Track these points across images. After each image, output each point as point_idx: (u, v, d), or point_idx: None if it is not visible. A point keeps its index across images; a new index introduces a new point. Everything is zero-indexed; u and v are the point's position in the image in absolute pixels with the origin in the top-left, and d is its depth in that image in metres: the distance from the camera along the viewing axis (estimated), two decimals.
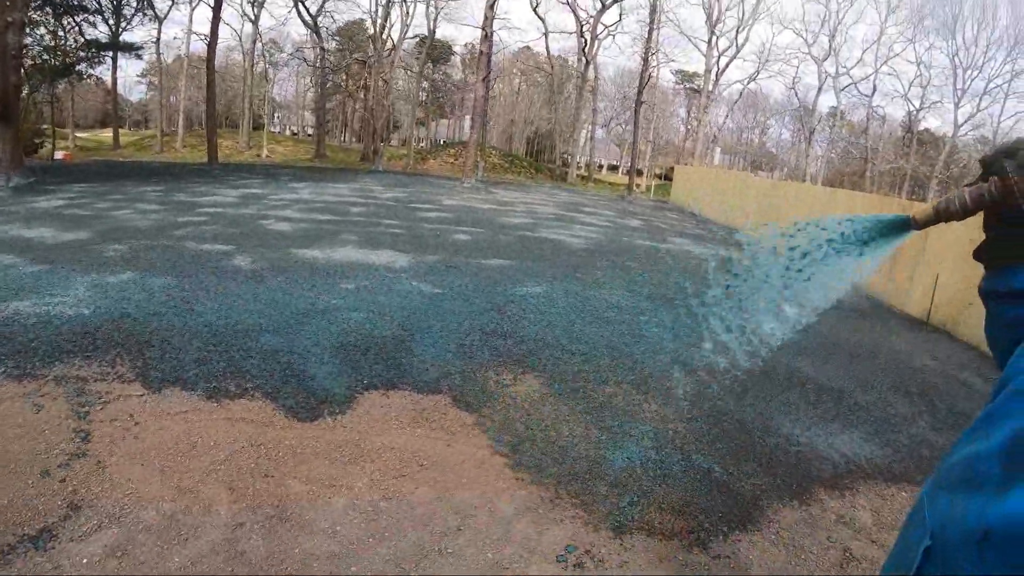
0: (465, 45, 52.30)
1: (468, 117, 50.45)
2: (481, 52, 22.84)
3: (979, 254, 1.05)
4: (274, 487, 2.93)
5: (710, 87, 41.01)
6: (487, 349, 5.00)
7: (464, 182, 21.63)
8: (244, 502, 2.80)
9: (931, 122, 49.44)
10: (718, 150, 52.10)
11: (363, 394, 3.96)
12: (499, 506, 3.03)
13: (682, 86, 56.08)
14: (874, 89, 41.98)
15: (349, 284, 6.35)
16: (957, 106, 39.29)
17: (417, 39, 42.95)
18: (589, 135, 45.43)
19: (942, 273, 8.86)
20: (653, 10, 33.34)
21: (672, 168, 39.56)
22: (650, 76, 34.56)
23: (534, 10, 38.77)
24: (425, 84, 46.68)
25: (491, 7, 22.56)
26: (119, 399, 3.62)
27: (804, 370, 5.75)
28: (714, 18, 39.04)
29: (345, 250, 8.14)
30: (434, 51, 43.94)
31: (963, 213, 1.02)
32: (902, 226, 1.12)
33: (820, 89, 42.74)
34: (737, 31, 40.54)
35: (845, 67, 42.92)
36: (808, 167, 43.46)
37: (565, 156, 45.32)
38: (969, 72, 39.03)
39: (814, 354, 6.43)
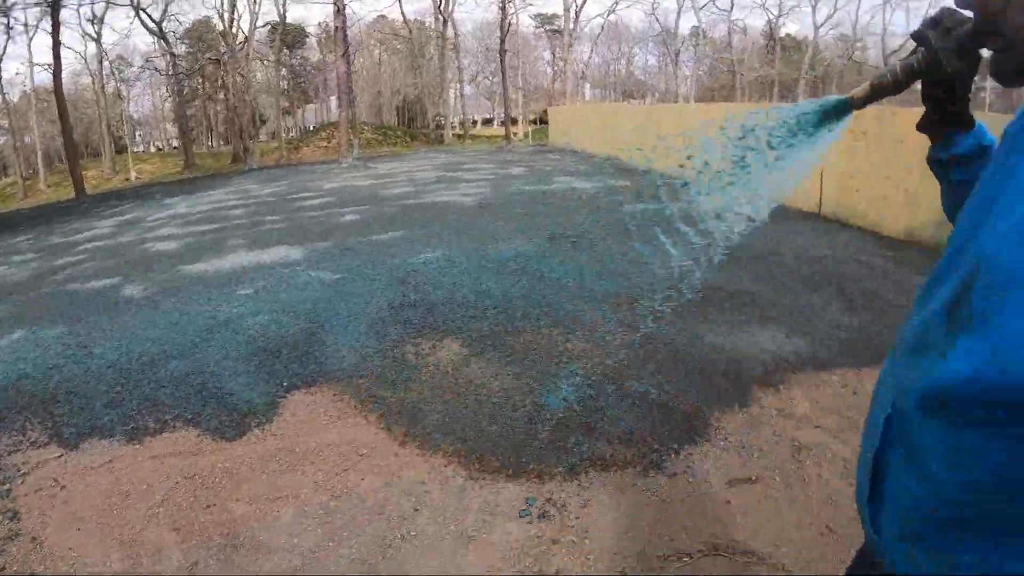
0: (319, 24, 50.19)
1: (333, 98, 48.89)
2: (336, 28, 22.08)
3: (923, 124, 1.14)
4: (219, 515, 2.81)
5: (571, 26, 41.14)
6: (399, 324, 4.93)
7: (341, 163, 21.05)
8: (193, 539, 2.68)
9: (792, 27, 51.33)
10: (587, 86, 52.54)
11: (286, 397, 3.84)
12: (449, 477, 3.02)
13: (542, 29, 56.10)
14: (732, 4, 43.07)
15: (246, 289, 6.09)
16: (815, 8, 40.83)
17: (268, 27, 41.03)
18: (458, 93, 44.94)
19: (827, 165, 9.31)
20: None
21: (545, 111, 39.71)
22: (510, 24, 34.33)
23: None
24: (284, 72, 44.76)
25: None
26: (38, 466, 3.36)
27: (714, 280, 5.94)
28: None
29: (234, 256, 7.78)
30: (288, 36, 42.08)
31: (895, 86, 1.07)
32: (843, 108, 1.14)
33: (680, 11, 43.51)
34: None
35: None
36: (679, 88, 44.44)
37: (438, 119, 44.73)
38: None
39: (729, 265, 6.64)
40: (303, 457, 3.18)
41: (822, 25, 41.82)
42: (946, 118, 1.11)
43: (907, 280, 6.55)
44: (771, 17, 44.68)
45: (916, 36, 1.01)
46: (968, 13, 0.87)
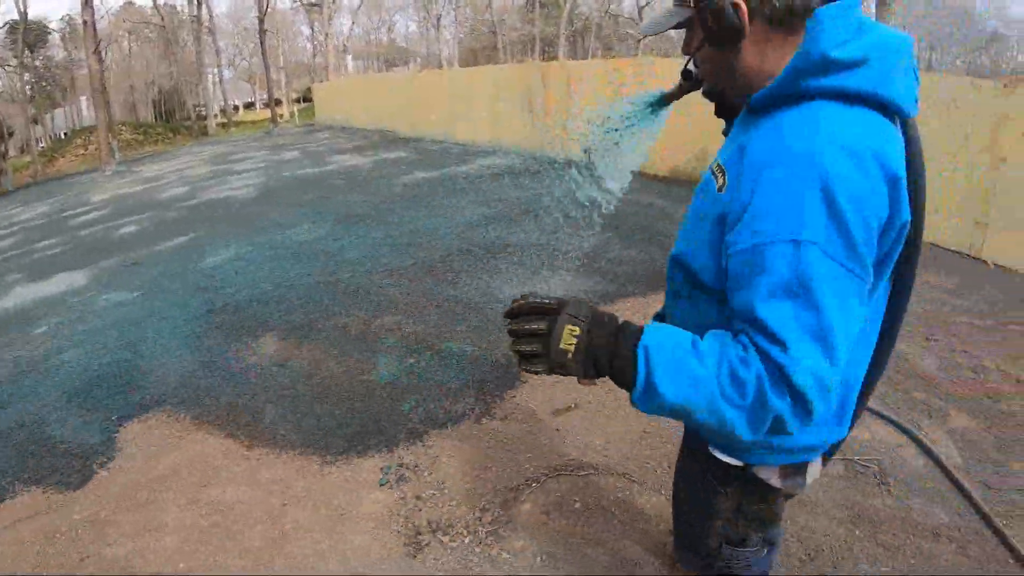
0: (62, 18, 44.46)
1: (84, 98, 43.79)
2: (85, 22, 19.62)
3: (719, 111, 1.43)
4: (98, 566, 2.69)
5: None
6: (213, 331, 4.89)
7: (105, 171, 19.11)
8: None
9: None
10: (349, 59, 51.40)
11: (121, 430, 3.69)
12: (304, 467, 3.20)
13: (300, 3, 53.85)
14: None
15: (40, 327, 5.57)
16: None
17: (6, 27, 35.77)
18: (217, 79, 42.20)
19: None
20: None
21: (309, 89, 38.43)
22: (268, 2, 32.64)
23: None
24: (27, 75, 39.04)
25: None
26: None
27: (504, 237, 6.42)
28: None
29: (15, 293, 6.94)
30: (29, 35, 36.84)
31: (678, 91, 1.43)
32: (665, 100, 1.46)
33: None
34: None
35: None
36: (441, 52, 44.84)
37: (199, 109, 41.83)
38: None
39: (507, 222, 7.16)
40: (160, 484, 3.16)
41: None
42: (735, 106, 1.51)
43: (675, 213, 7.49)
44: None
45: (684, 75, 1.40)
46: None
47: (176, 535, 2.80)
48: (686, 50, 1.24)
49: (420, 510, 2.80)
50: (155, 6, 39.68)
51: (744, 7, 1.07)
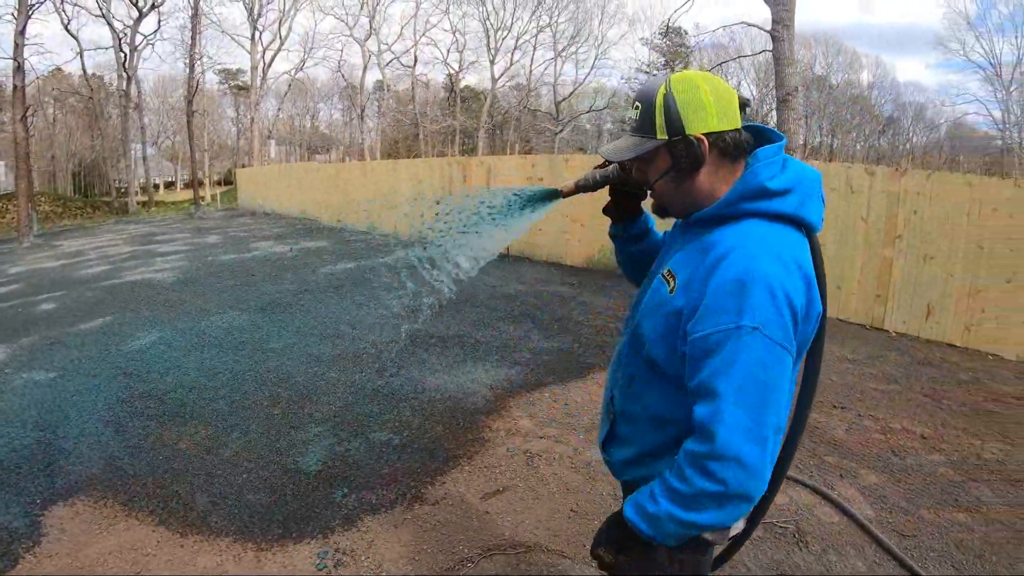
0: None
1: (2, 164, 42.18)
2: (15, 87, 19.04)
3: (607, 210, 1.81)
4: None
5: (259, 83, 40.32)
6: (136, 417, 4.76)
7: (23, 242, 18.35)
8: None
9: (471, 79, 55.00)
10: (273, 143, 51.54)
11: (46, 514, 3.54)
12: (240, 554, 3.15)
13: (227, 85, 53.98)
14: (415, 60, 45.64)
15: None
16: (493, 63, 44.75)
17: None
18: (141, 155, 41.48)
19: None
20: (195, 13, 31.17)
21: (230, 171, 38.16)
22: (198, 83, 32.56)
23: (66, 28, 33.52)
24: None
25: (21, 33, 18.95)
26: None
27: (427, 329, 6.57)
28: (256, 13, 38.20)
29: None
30: None
31: (595, 187, 1.70)
32: (553, 195, 1.73)
33: (366, 68, 44.96)
34: (280, 23, 40.36)
35: (387, 44, 45.75)
36: (364, 141, 45.52)
37: (120, 185, 40.89)
38: (500, 32, 44.46)
39: (431, 315, 7.30)
40: (90, 571, 3.05)
41: (500, 77, 45.81)
42: (624, 210, 1.80)
43: (591, 302, 7.85)
44: (452, 71, 48.00)
45: (603, 169, 1.70)
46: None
47: None
48: (648, 175, 1.50)
49: None
50: (84, 76, 39.05)
51: (707, 142, 1.38)
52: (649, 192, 1.58)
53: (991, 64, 39.32)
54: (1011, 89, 38.61)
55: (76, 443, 4.38)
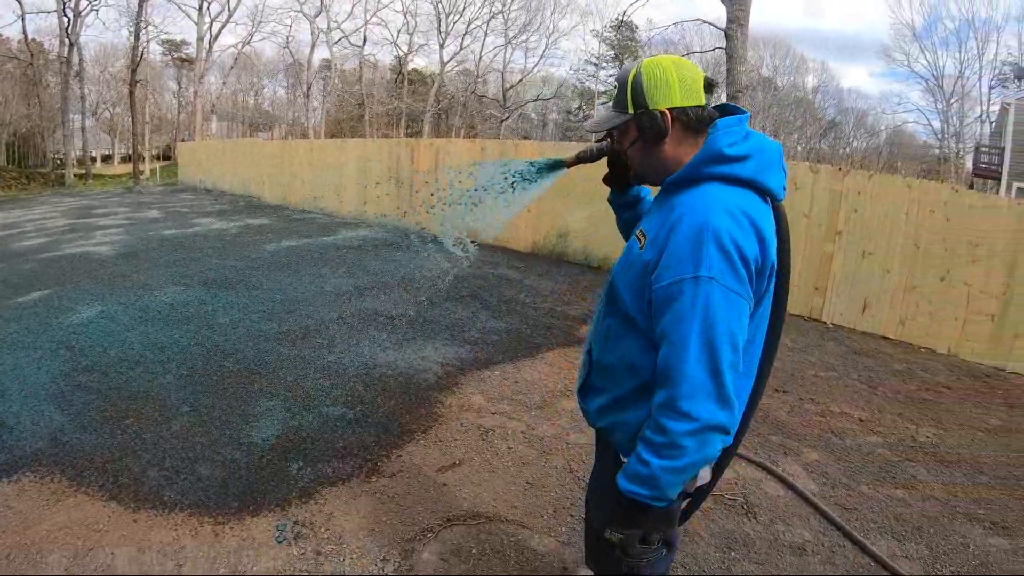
0: None
1: None
2: None
3: (606, 179, 1.98)
4: None
5: (204, 56, 39.08)
6: (80, 390, 4.61)
7: None
8: None
9: (419, 62, 54.30)
10: (215, 119, 50.16)
11: None
12: (196, 528, 3.11)
13: (170, 56, 52.14)
14: (364, 39, 45.05)
15: None
16: (442, 46, 44.59)
17: None
18: (80, 126, 39.79)
19: None
20: None
21: (170, 146, 36.87)
22: (143, 52, 31.29)
23: None
24: None
25: None
26: None
27: (374, 307, 6.56)
28: None
29: None
30: None
31: (592, 158, 1.87)
32: (559, 164, 1.91)
33: (314, 45, 44.40)
34: None
35: (336, 22, 45.08)
36: (309, 120, 44.70)
37: (57, 157, 39.18)
38: (452, 16, 44.23)
39: (377, 292, 7.32)
40: (40, 548, 2.96)
41: (449, 61, 45.57)
42: (618, 179, 1.96)
43: (538, 285, 7.97)
44: (401, 54, 47.63)
45: (600, 142, 1.88)
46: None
47: None
48: (624, 144, 1.70)
49: (322, 563, 2.82)
50: (24, 40, 37.17)
51: (669, 115, 1.55)
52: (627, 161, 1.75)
53: (933, 76, 40.98)
54: (951, 101, 40.31)
55: (18, 418, 4.23)
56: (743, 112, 1.61)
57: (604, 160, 1.93)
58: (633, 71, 1.59)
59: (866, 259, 6.96)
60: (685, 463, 1.42)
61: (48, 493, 3.40)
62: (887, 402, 4.98)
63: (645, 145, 1.62)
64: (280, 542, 2.97)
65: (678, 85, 1.55)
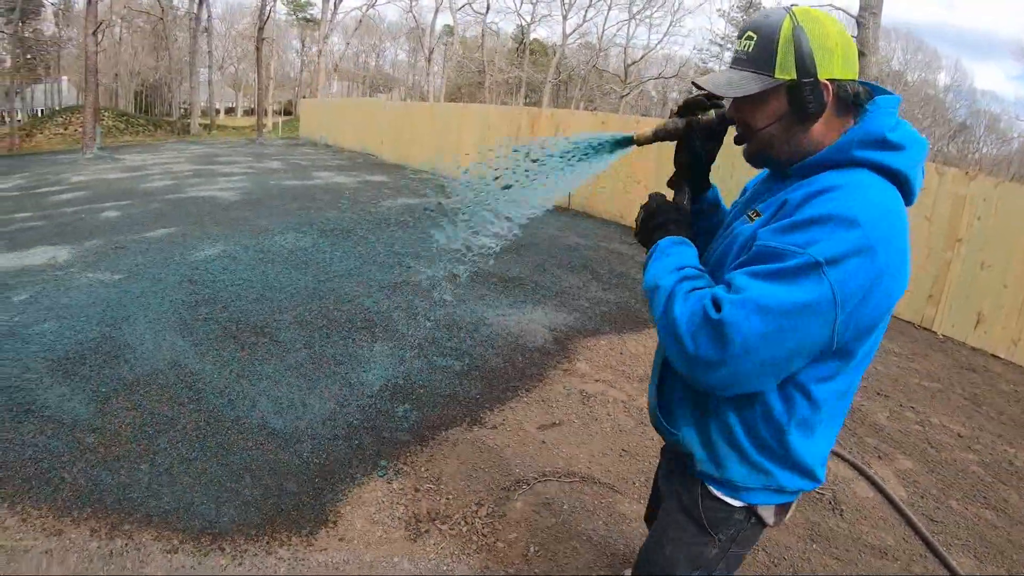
0: None
1: (65, 79, 42.98)
2: (89, 1, 19.36)
3: (672, 181, 1.61)
4: None
5: (329, 16, 40.26)
6: (199, 321, 4.89)
7: (85, 153, 18.86)
8: None
9: (541, 33, 54.03)
10: (336, 78, 51.63)
11: (108, 403, 3.63)
12: (312, 458, 3.35)
13: (294, 16, 54.06)
14: (488, 7, 44.91)
15: (21, 295, 5.54)
16: (565, 18, 44.00)
17: None
18: (207, 80, 41.92)
19: None
20: None
21: (291, 102, 38.18)
22: (270, 12, 32.60)
23: None
24: (7, 45, 37.56)
25: None
26: None
27: (486, 269, 6.71)
28: None
29: None
30: (28, 2, 35.72)
31: (671, 136, 1.52)
32: (627, 142, 1.57)
33: (437, 10, 44.76)
34: None
35: None
36: (429, 84, 45.40)
37: (184, 107, 41.44)
38: None
39: (493, 256, 7.44)
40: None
41: (571, 34, 45.15)
42: (699, 176, 1.61)
43: None
44: (523, 23, 47.49)
45: (682, 113, 1.53)
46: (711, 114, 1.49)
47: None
48: (754, 119, 1.32)
49: (419, 500, 3.01)
50: None
51: (831, 88, 1.24)
52: (745, 138, 1.37)
53: None
54: None
55: (142, 340, 4.50)
56: (892, 94, 1.30)
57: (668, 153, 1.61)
58: (787, 24, 1.22)
59: (984, 271, 6.64)
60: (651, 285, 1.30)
61: (167, 407, 3.65)
62: (989, 421, 4.79)
63: (792, 123, 1.27)
64: (381, 476, 3.18)
65: (841, 51, 1.23)
